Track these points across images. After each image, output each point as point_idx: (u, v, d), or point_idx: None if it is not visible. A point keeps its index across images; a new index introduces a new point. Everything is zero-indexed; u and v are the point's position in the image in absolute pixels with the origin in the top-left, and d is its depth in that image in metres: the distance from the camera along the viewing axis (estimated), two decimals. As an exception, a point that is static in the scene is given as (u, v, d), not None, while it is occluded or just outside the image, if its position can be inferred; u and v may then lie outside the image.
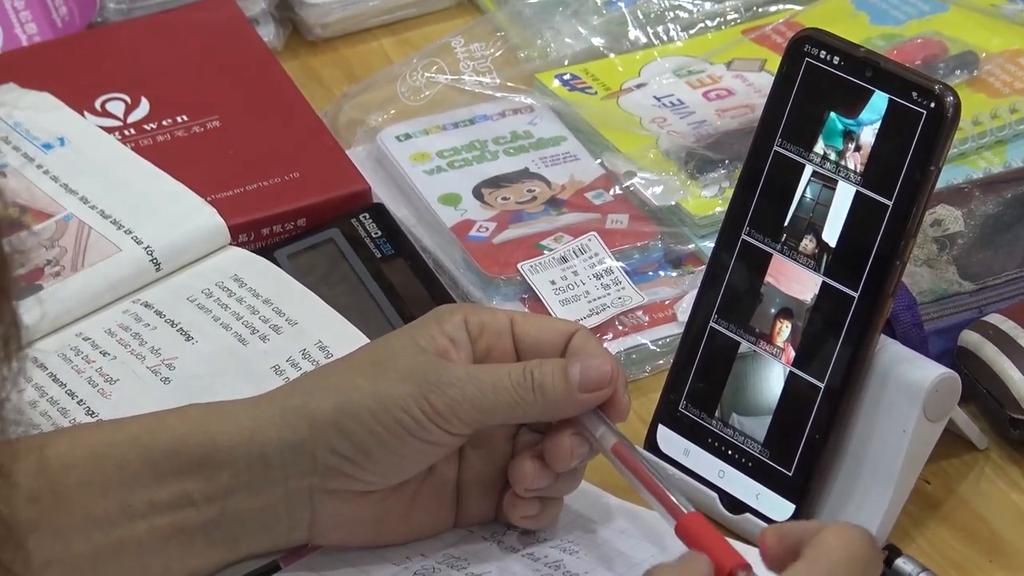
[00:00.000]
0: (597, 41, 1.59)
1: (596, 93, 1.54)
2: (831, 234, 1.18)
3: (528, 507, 1.15)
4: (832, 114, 1.19)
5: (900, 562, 1.16)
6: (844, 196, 1.18)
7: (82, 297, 1.35)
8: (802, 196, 1.20)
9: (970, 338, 1.25)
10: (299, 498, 1.14)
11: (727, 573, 1.07)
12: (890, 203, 1.16)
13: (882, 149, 1.17)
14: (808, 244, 1.19)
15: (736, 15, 1.61)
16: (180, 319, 1.35)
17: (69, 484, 1.08)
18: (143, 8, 1.64)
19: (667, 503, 1.12)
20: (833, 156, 1.19)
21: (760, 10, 1.62)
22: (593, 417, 1.13)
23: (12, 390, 0.78)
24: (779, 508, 1.19)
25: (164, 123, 1.52)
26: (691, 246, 1.40)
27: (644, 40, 1.59)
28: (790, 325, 1.19)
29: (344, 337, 1.32)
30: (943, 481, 1.23)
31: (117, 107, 1.53)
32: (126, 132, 1.51)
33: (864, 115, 1.18)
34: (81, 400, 1.29)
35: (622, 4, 1.61)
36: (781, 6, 1.62)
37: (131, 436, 1.15)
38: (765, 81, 1.50)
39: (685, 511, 1.11)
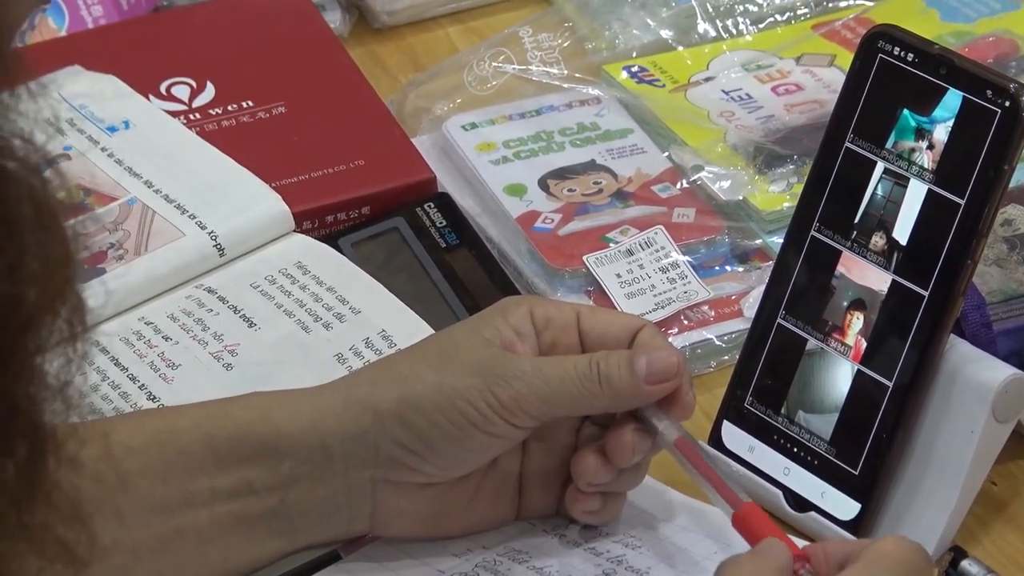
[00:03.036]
0: (665, 34, 1.59)
1: (664, 86, 1.55)
2: (902, 232, 1.18)
3: (590, 502, 1.15)
4: (905, 111, 1.19)
5: (966, 564, 1.16)
6: (916, 194, 1.18)
7: (145, 281, 1.36)
8: (873, 193, 1.20)
9: (1046, 340, 1.25)
10: (360, 489, 1.14)
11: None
12: (962, 202, 1.16)
13: (955, 147, 1.17)
14: (878, 241, 1.19)
15: (806, 10, 1.61)
16: (243, 305, 1.36)
17: (131, 470, 1.08)
18: (217, -5, 1.64)
19: (725, 493, 1.12)
20: (905, 153, 1.19)
21: (830, 5, 1.62)
22: (656, 411, 1.13)
23: (76, 373, 0.78)
24: (844, 507, 1.19)
25: (229, 108, 1.53)
26: (758, 241, 1.40)
27: (713, 33, 1.60)
28: (862, 318, 1.19)
29: (408, 326, 1.32)
30: (1010, 483, 1.23)
31: (182, 91, 1.53)
32: (191, 116, 1.52)
33: (937, 112, 1.18)
34: (143, 385, 1.30)
35: (696, 6, 1.60)
36: (852, 1, 1.62)
37: (194, 423, 1.15)
38: (834, 77, 1.52)
39: (744, 500, 1.12)
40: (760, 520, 1.11)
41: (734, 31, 1.60)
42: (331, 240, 1.42)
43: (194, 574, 1.16)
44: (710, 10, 1.60)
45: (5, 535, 0.77)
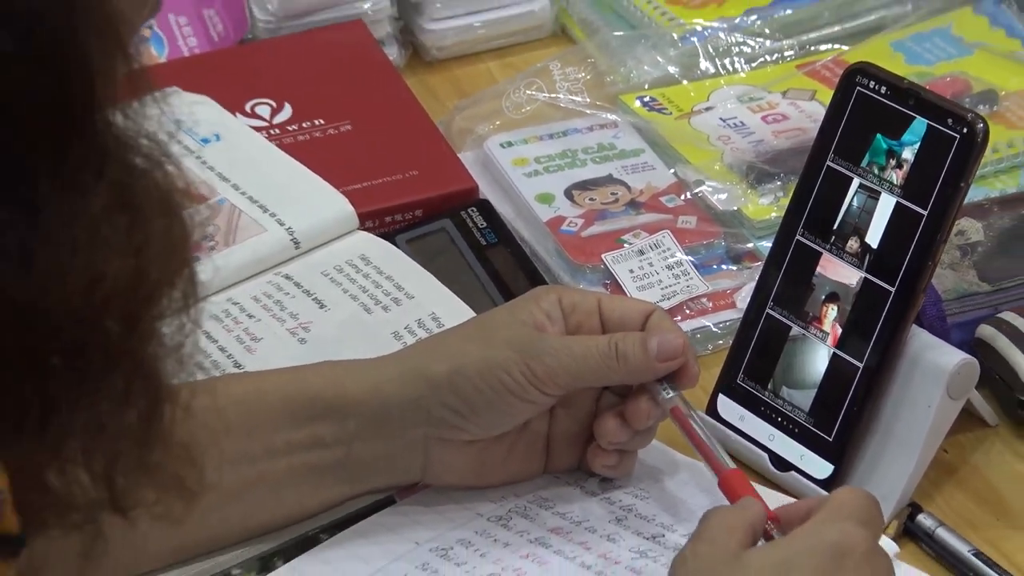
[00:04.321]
0: (672, 69, 1.60)
1: (671, 114, 1.55)
2: (873, 237, 1.19)
3: (609, 458, 1.17)
4: (878, 135, 1.19)
5: (921, 518, 1.17)
6: (886, 206, 1.19)
7: (233, 268, 1.37)
8: (849, 204, 1.20)
9: (986, 331, 1.26)
10: (414, 444, 1.16)
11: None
12: (925, 213, 1.17)
13: (920, 167, 1.18)
14: (853, 245, 1.20)
15: (791, 52, 1.62)
16: (315, 290, 1.37)
17: (222, 425, 1.09)
18: (287, 28, 1.65)
19: (712, 460, 1.14)
20: (877, 171, 1.19)
21: (812, 48, 1.62)
22: (662, 385, 1.14)
23: (188, 337, 0.79)
24: (820, 468, 1.20)
25: (304, 125, 1.53)
26: (749, 245, 1.41)
27: (712, 70, 1.60)
28: (837, 309, 1.20)
29: (453, 310, 1.33)
30: (959, 451, 1.23)
31: (264, 110, 1.54)
32: (271, 131, 1.52)
33: (905, 137, 1.18)
34: (230, 355, 1.30)
35: (695, 39, 1.61)
36: (829, 45, 1.62)
37: (275, 386, 1.17)
38: (815, 109, 1.52)
39: (727, 467, 1.13)
40: (741, 484, 1.12)
41: (730, 69, 1.60)
42: (389, 237, 1.42)
43: (272, 514, 1.17)
44: (710, 51, 1.60)
45: (129, 471, 0.78)
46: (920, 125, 1.18)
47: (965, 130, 1.16)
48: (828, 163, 1.22)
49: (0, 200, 0.69)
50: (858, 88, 1.21)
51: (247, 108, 1.55)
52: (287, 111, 1.55)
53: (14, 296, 0.69)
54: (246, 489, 1.14)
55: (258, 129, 1.52)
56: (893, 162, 1.19)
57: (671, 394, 1.15)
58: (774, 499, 1.14)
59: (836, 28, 1.65)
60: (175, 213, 0.77)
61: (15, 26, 0.68)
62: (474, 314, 1.32)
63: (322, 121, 1.54)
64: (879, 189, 1.19)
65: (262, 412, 1.15)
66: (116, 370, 0.75)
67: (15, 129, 0.69)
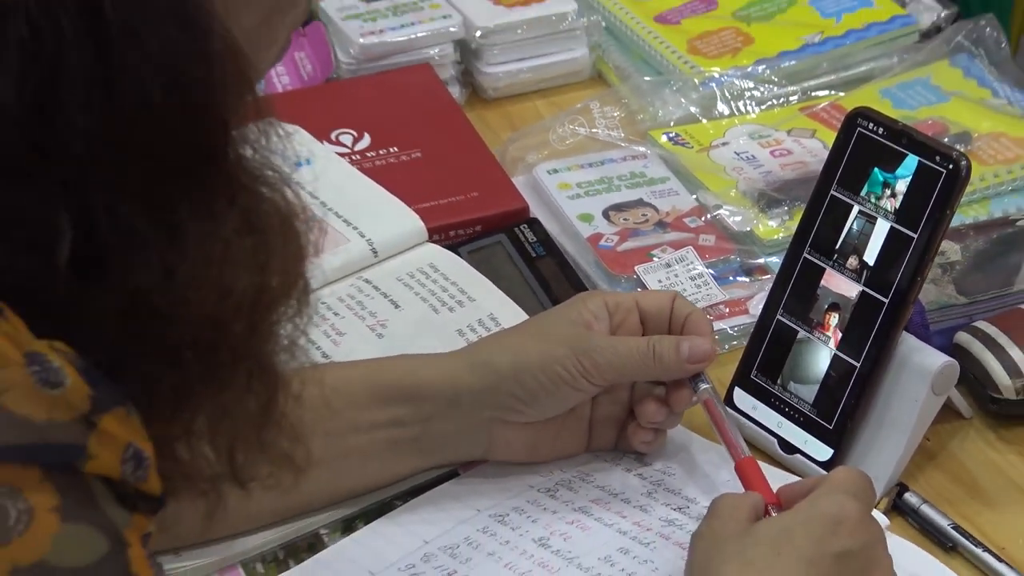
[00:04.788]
0: (694, 110, 1.60)
1: (692, 147, 1.55)
2: (870, 256, 1.19)
3: (646, 435, 1.18)
4: (875, 169, 1.19)
5: (907, 496, 1.17)
6: (881, 229, 1.19)
7: (321, 273, 1.36)
8: (850, 227, 1.20)
9: (963, 338, 1.26)
10: (480, 426, 1.17)
11: (765, 506, 1.09)
12: (915, 236, 1.17)
13: (911, 196, 1.18)
14: (853, 262, 1.20)
15: (795, 97, 1.62)
16: (391, 292, 1.37)
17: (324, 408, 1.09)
18: (366, 69, 1.65)
19: (731, 447, 1.14)
20: (874, 200, 1.19)
21: (813, 94, 1.62)
22: (701, 376, 1.16)
23: (300, 336, 0.80)
24: (821, 451, 1.20)
25: (381, 152, 1.54)
26: (760, 260, 1.41)
27: (728, 112, 1.60)
28: (838, 316, 1.20)
29: (508, 311, 1.34)
30: (939, 440, 1.23)
31: (347, 139, 1.55)
32: (353, 157, 1.53)
33: (899, 171, 1.18)
34: (319, 347, 1.30)
35: (713, 85, 1.61)
36: (827, 92, 1.62)
37: (360, 374, 1.18)
38: (816, 145, 1.52)
39: (743, 455, 1.13)
40: (752, 470, 1.12)
41: (743, 110, 1.60)
42: (453, 248, 1.42)
43: (355, 482, 1.18)
44: (727, 95, 1.60)
45: (248, 449, 0.79)
46: (912, 161, 1.18)
47: (951, 166, 1.16)
48: (832, 192, 1.22)
49: (147, 224, 0.70)
50: (859, 129, 1.21)
51: (332, 137, 1.55)
52: (366, 140, 1.55)
53: (158, 303, 0.70)
54: (335, 460, 1.14)
55: (342, 155, 1.52)
56: (888, 192, 1.19)
57: (705, 385, 1.16)
58: (780, 477, 1.15)
59: (832, 77, 1.65)
60: (293, 235, 0.78)
61: (164, 80, 0.68)
62: (525, 315, 1.32)
63: (396, 149, 1.54)
64: (876, 215, 1.19)
65: (350, 396, 1.16)
66: (240, 364, 0.76)
67: (161, 166, 0.70)
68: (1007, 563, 1.12)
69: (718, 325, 1.33)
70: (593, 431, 1.21)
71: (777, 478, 1.14)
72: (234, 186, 0.73)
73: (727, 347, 1.32)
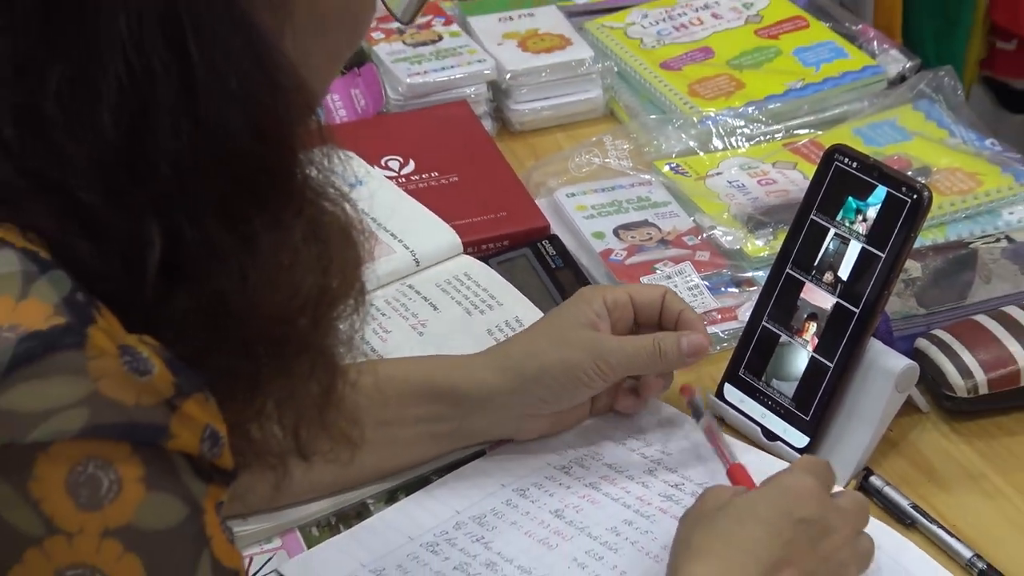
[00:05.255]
0: (692, 144, 1.59)
1: (691, 176, 1.54)
2: (844, 272, 1.19)
3: (627, 402, 1.22)
4: (849, 197, 1.19)
5: (872, 479, 1.17)
6: (854, 250, 1.18)
7: (371, 278, 1.36)
8: (827, 247, 1.20)
9: (922, 344, 1.25)
10: (509, 420, 1.19)
11: None
12: (883, 255, 1.17)
13: (880, 222, 1.17)
14: (829, 277, 1.19)
15: (780, 134, 1.61)
16: (430, 296, 1.37)
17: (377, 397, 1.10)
18: (412, 105, 1.65)
19: (723, 457, 1.15)
20: (848, 224, 1.19)
21: (794, 132, 1.61)
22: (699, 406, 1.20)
23: (357, 331, 0.80)
24: (798, 439, 1.19)
25: (423, 176, 1.53)
26: (748, 274, 1.39)
27: (722, 146, 1.59)
28: (815, 324, 1.19)
29: (530, 315, 1.33)
30: (900, 430, 1.22)
31: (394, 164, 1.54)
32: (399, 180, 1.52)
33: (870, 199, 1.18)
34: (368, 343, 1.29)
35: (709, 123, 1.60)
36: (807, 130, 1.61)
37: (404, 372, 1.18)
38: (796, 176, 1.52)
39: (733, 462, 1.14)
40: (741, 473, 1.13)
41: (735, 145, 1.59)
42: (484, 260, 1.42)
43: (398, 463, 1.19)
44: (721, 131, 1.60)
45: (311, 427, 0.80)
46: (881, 191, 1.18)
47: (914, 196, 1.16)
48: (812, 216, 1.21)
49: (225, 235, 0.70)
50: (835, 162, 1.21)
51: (382, 162, 1.54)
52: (411, 165, 1.54)
53: (234, 304, 0.71)
54: (383, 444, 1.14)
55: (390, 178, 1.52)
56: (860, 217, 1.18)
57: (705, 415, 1.19)
58: (767, 463, 1.15)
59: (811, 117, 1.64)
60: (352, 243, 0.78)
61: (240, 109, 0.69)
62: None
63: (436, 174, 1.53)
64: (849, 237, 1.19)
65: (398, 390, 1.16)
66: (305, 355, 0.76)
67: (237, 184, 0.70)
68: (957, 538, 1.11)
69: (711, 329, 1.32)
70: (594, 403, 1.22)
71: (763, 464, 1.15)
72: (301, 201, 0.73)
73: (718, 348, 1.31)
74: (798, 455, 1.18)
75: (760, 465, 1.14)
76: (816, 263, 1.21)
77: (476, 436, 1.20)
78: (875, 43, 1.75)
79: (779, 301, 1.22)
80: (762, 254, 1.41)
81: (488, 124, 1.65)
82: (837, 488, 1.10)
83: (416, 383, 1.17)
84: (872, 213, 1.18)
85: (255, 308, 0.71)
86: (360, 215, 0.79)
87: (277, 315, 0.73)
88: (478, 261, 1.41)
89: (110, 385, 0.65)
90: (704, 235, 1.45)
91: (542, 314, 1.32)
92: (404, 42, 1.70)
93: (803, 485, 1.03)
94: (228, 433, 0.74)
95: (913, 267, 1.30)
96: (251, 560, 1.11)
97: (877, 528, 1.11)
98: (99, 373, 0.64)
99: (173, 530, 0.67)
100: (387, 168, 1.54)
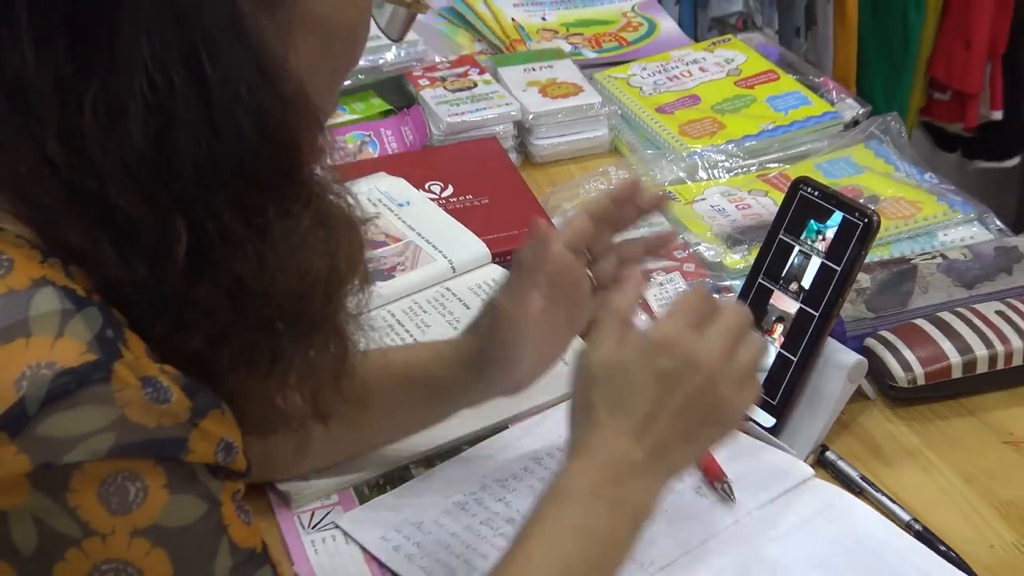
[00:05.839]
0: (681, 174, 1.58)
1: (680, 201, 1.53)
2: (806, 282, 1.18)
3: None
4: (812, 220, 1.18)
5: (828, 454, 1.16)
6: (815, 264, 1.17)
7: (415, 283, 1.37)
8: (792, 262, 1.19)
9: (870, 342, 1.24)
10: (492, 390, 1.10)
11: (714, 477, 1.08)
12: (839, 269, 1.16)
13: (837, 241, 1.16)
14: (794, 287, 1.18)
15: (754, 167, 1.60)
16: (464, 298, 1.36)
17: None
18: (452, 139, 1.64)
19: None
20: (810, 243, 1.18)
21: (766, 165, 1.60)
22: None
23: (363, 308, 0.79)
24: (767, 420, 1.18)
25: (459, 198, 1.52)
26: (727, 283, 1.38)
27: (706, 176, 1.58)
28: (782, 325, 1.18)
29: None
30: (851, 414, 1.21)
31: (436, 188, 1.53)
32: (440, 201, 1.51)
33: (828, 223, 1.17)
34: (411, 335, 1.30)
35: (696, 157, 1.60)
36: (777, 164, 1.60)
37: (401, 358, 1.10)
38: (768, 202, 1.51)
39: None
40: (710, 461, 1.11)
41: (717, 176, 1.58)
42: (508, 268, 1.40)
43: (409, 426, 1.13)
44: (705, 164, 1.59)
45: (327, 388, 0.78)
46: (838, 216, 1.17)
47: (866, 219, 1.15)
48: (780, 236, 1.20)
49: (242, 226, 0.69)
50: (800, 191, 1.20)
51: (426, 186, 1.53)
52: (450, 189, 1.53)
53: (253, 285, 0.69)
54: (391, 409, 1.09)
55: (432, 199, 1.51)
56: (820, 237, 1.17)
57: None
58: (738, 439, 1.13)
59: (780, 154, 1.63)
60: (355, 230, 0.77)
61: (251, 116, 0.68)
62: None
63: (470, 196, 1.52)
64: (811, 254, 1.18)
65: (400, 372, 1.08)
66: (319, 329, 0.75)
67: (251, 182, 0.69)
68: (899, 504, 1.11)
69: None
70: (571, 325, 1.07)
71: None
72: (307, 194, 0.72)
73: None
74: (769, 434, 1.17)
75: (735, 447, 1.12)
76: (783, 274, 1.19)
77: (473, 401, 1.10)
78: (833, 93, 1.74)
79: (752, 305, 1.21)
80: (738, 266, 1.39)
81: (514, 156, 1.64)
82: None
83: (405, 368, 1.08)
84: (830, 234, 1.17)
85: (272, 288, 0.70)
86: (362, 208, 0.78)
87: (292, 293, 0.71)
88: (503, 269, 1.39)
89: (134, 411, 0.64)
90: (690, 250, 1.43)
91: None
92: (445, 88, 1.69)
93: (662, 335, 0.88)
94: (256, 403, 0.74)
95: (863, 279, 1.29)
96: (313, 513, 1.11)
97: (832, 491, 1.11)
98: (124, 402, 0.64)
99: (194, 524, 0.67)
100: (430, 191, 1.53)
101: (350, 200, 0.76)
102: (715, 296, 0.90)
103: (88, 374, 0.63)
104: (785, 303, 1.19)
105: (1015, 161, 2.86)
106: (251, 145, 0.68)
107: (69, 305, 0.65)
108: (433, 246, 1.40)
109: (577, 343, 1.07)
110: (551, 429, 1.19)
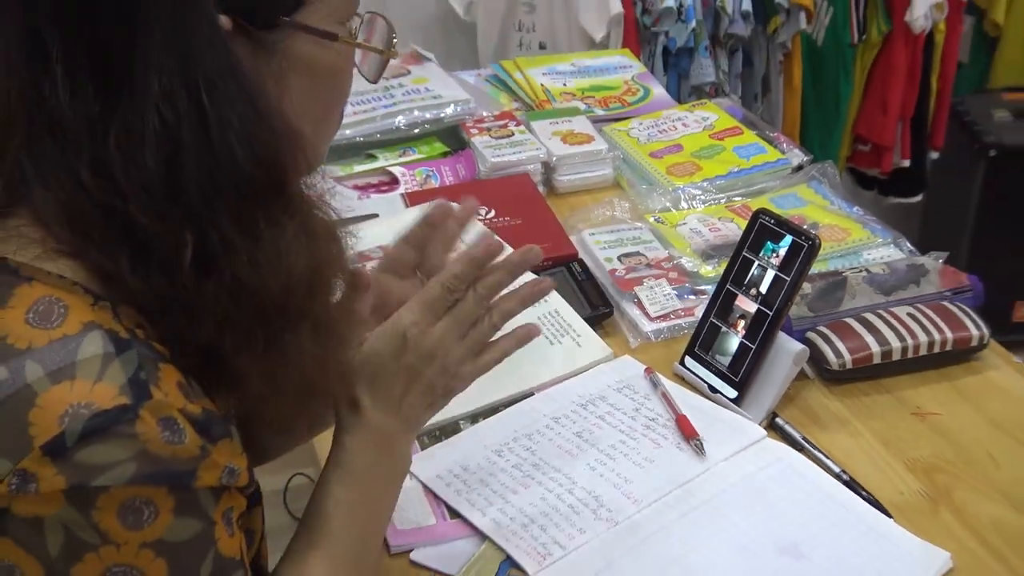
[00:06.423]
0: (668, 204, 1.56)
1: (667, 224, 1.51)
2: (763, 289, 1.16)
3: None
4: (768, 242, 1.16)
5: (777, 419, 1.14)
6: (770, 275, 1.15)
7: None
8: (752, 272, 1.17)
9: (811, 335, 1.21)
10: None
11: (689, 436, 1.05)
12: (788, 279, 1.14)
13: (787, 258, 1.14)
14: (753, 292, 1.16)
15: (723, 200, 1.57)
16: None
17: None
18: (495, 175, 1.62)
19: (673, 409, 1.11)
20: (766, 258, 1.16)
21: (732, 199, 1.58)
22: (657, 380, 1.13)
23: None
24: (731, 392, 1.16)
25: (500, 219, 1.50)
26: (702, 287, 1.35)
27: (687, 206, 1.56)
28: (743, 321, 1.16)
29: (564, 308, 1.29)
30: (796, 389, 1.19)
31: (482, 211, 1.51)
32: (485, 221, 1.49)
33: (781, 244, 1.15)
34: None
35: (680, 191, 1.57)
36: (741, 198, 1.58)
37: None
38: (734, 227, 1.48)
39: (678, 413, 1.11)
40: (684, 421, 1.09)
41: (695, 206, 1.55)
42: (536, 272, 1.34)
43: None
44: (686, 197, 1.56)
45: (317, 370, 0.72)
46: (788, 239, 1.15)
47: (810, 242, 1.13)
48: (744, 253, 1.18)
49: (237, 233, 0.65)
50: (759, 219, 1.18)
51: (475, 210, 1.51)
52: (492, 212, 1.51)
53: (248, 282, 0.66)
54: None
55: (479, 220, 1.49)
56: (774, 255, 1.15)
57: (664, 383, 1.14)
58: (707, 408, 1.11)
59: (744, 190, 1.60)
60: (335, 238, 0.73)
61: (244, 143, 0.65)
62: (574, 312, 1.28)
63: (508, 218, 1.50)
64: (767, 267, 1.16)
65: None
66: (305, 319, 0.70)
67: (245, 197, 0.66)
68: (831, 459, 1.09)
69: (678, 322, 1.29)
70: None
71: (703, 409, 1.11)
72: (292, 208, 0.68)
73: (682, 333, 1.28)
74: (734, 404, 1.15)
75: (705, 413, 1.11)
76: (745, 282, 1.17)
77: None
78: (783, 144, 1.71)
79: (721, 305, 1.19)
80: (711, 275, 1.37)
81: (541, 188, 1.62)
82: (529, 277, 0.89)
83: None
84: (782, 252, 1.15)
85: (264, 284, 0.66)
86: (342, 221, 0.72)
87: (280, 288, 0.67)
88: (532, 274, 1.36)
89: (153, 447, 0.61)
90: (674, 262, 1.41)
91: (569, 307, 1.30)
92: (490, 136, 1.67)
93: (405, 335, 0.82)
94: (260, 381, 0.69)
95: (806, 287, 1.27)
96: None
97: (781, 448, 1.09)
98: (145, 439, 0.61)
99: (191, 540, 0.64)
100: (477, 214, 1.50)
101: (332, 215, 0.71)
102: (453, 283, 0.84)
103: (118, 416, 0.60)
104: (747, 304, 1.17)
105: (919, 198, 2.84)
106: (243, 166, 0.65)
107: (111, 349, 0.62)
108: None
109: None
110: (565, 395, 1.17)
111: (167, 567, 0.63)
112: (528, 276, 1.30)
